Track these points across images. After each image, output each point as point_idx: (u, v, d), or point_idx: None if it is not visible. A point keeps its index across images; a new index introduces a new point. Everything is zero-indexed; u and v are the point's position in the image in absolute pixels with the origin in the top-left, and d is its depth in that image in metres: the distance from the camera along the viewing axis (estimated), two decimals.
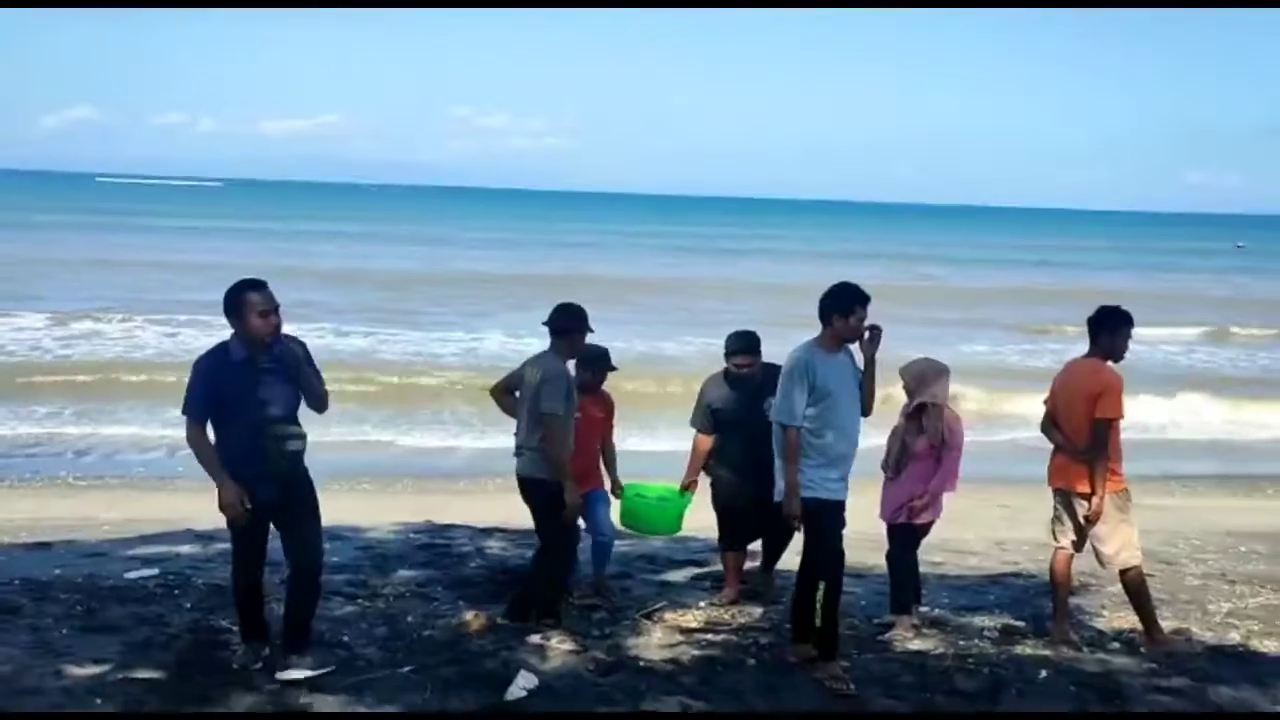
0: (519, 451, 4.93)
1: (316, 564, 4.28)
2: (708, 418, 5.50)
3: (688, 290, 27.01)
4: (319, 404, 4.28)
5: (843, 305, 4.51)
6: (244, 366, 4.11)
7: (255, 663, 4.18)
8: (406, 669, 4.28)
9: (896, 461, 5.18)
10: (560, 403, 4.75)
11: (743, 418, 5.26)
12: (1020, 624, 5.43)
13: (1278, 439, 13.94)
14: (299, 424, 4.21)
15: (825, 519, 4.48)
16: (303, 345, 4.28)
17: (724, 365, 5.50)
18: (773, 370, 4.97)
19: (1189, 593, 6.26)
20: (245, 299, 4.08)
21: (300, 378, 4.18)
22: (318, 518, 4.29)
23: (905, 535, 5.23)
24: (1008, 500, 8.98)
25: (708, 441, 5.53)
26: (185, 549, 6.30)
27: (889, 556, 5.31)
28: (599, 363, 5.33)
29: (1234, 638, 5.36)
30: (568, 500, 4.80)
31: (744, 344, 5.39)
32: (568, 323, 4.90)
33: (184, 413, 4.11)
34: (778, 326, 9.53)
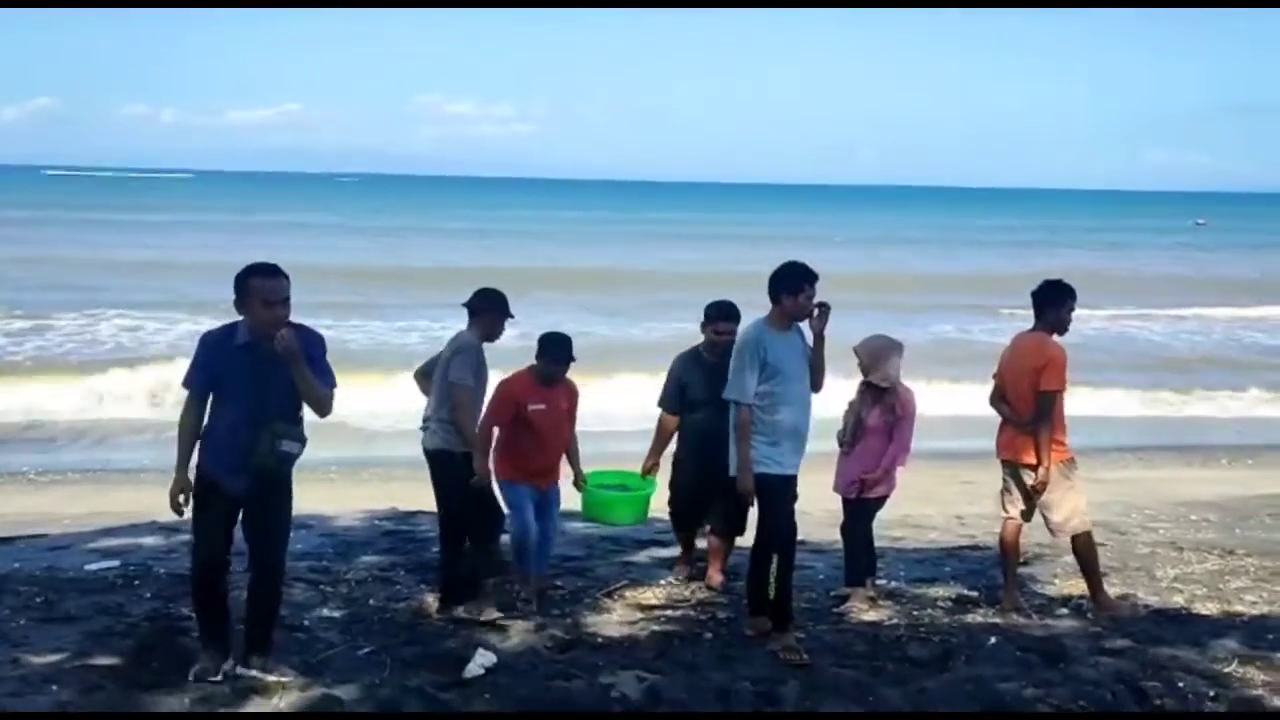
0: (425, 425, 4.99)
1: (277, 564, 4.07)
2: (676, 397, 5.48)
3: (654, 280, 26.98)
4: (317, 405, 3.97)
5: (791, 284, 4.58)
6: (246, 352, 3.91)
7: (214, 674, 3.89)
8: (365, 650, 4.34)
9: (851, 435, 5.28)
10: (469, 374, 4.83)
11: (714, 397, 4.99)
12: (973, 594, 5.56)
13: (1233, 414, 14.29)
14: (300, 425, 3.98)
15: (776, 494, 4.56)
16: (319, 340, 4.03)
17: (693, 346, 5.52)
18: None
19: (1138, 560, 6.42)
20: (251, 285, 3.88)
21: (296, 372, 3.86)
22: (288, 520, 4.10)
23: (859, 509, 5.33)
24: (970, 476, 9.14)
25: (674, 422, 5.53)
26: (148, 540, 6.29)
27: (844, 529, 5.42)
28: (558, 349, 5.15)
29: (1178, 601, 5.52)
30: (477, 469, 4.86)
31: (726, 310, 5.38)
32: (484, 304, 5.03)
33: (184, 384, 4.00)
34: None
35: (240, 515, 3.99)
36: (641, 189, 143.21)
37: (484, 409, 5.02)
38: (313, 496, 6.93)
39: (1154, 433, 12.70)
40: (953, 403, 11.76)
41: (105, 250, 30.62)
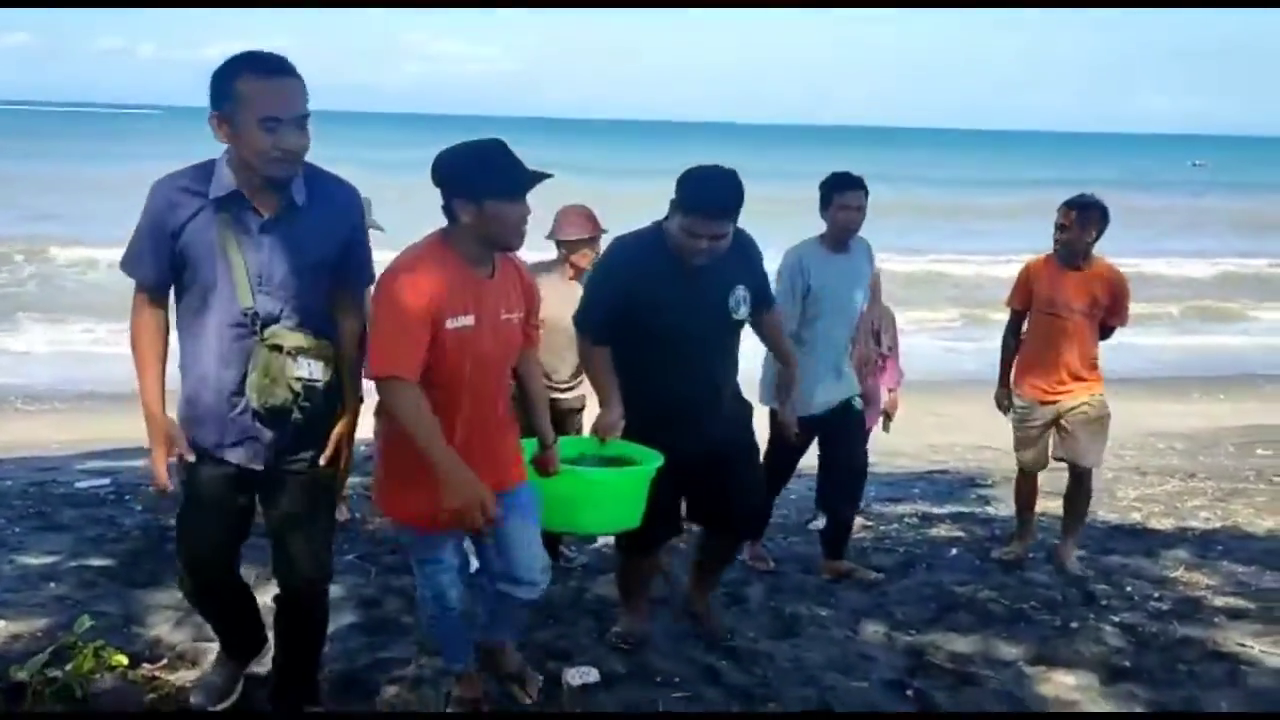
0: None
1: (316, 580, 2.78)
2: None
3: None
4: (353, 333, 2.67)
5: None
6: (224, 212, 2.44)
7: (208, 705, 2.93)
8: (351, 556, 4.50)
9: None
10: None
11: None
12: (938, 511, 5.78)
13: (1212, 345, 14.52)
14: (325, 339, 2.58)
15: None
16: (355, 202, 2.64)
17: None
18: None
19: (1102, 483, 6.60)
20: (241, 92, 2.35)
21: (343, 255, 2.59)
22: (329, 509, 2.77)
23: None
24: (943, 410, 9.32)
25: None
26: (137, 462, 6.41)
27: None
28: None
29: (1135, 518, 5.74)
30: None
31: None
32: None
33: (126, 271, 2.55)
34: None
35: (259, 501, 2.72)
36: (622, 128, 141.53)
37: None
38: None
39: (1127, 365, 12.93)
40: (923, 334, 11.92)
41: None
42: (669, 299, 3.20)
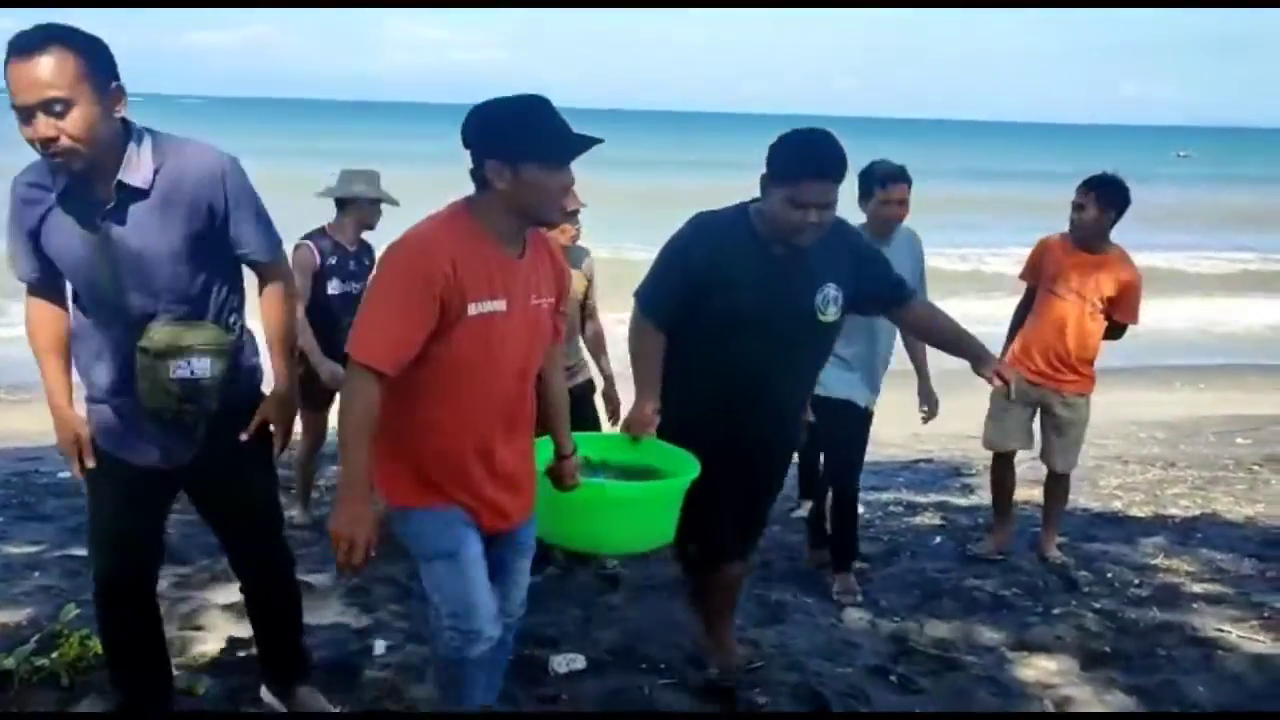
0: None
1: (275, 551, 2.71)
2: None
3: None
4: (276, 309, 2.51)
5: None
6: (68, 206, 2.26)
7: None
8: None
9: None
10: None
11: None
12: (922, 500, 5.82)
13: (1196, 336, 14.62)
14: (216, 327, 2.38)
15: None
16: (223, 171, 2.33)
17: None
18: None
19: (1084, 471, 6.66)
20: (6, 78, 2.12)
21: (219, 231, 2.34)
22: (267, 476, 2.62)
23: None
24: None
25: None
26: None
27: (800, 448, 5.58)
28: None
29: (1116, 505, 5.80)
30: None
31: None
32: None
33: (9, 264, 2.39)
34: None
35: (192, 495, 2.61)
36: (613, 117, 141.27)
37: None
38: None
39: (1111, 354, 13.02)
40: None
41: None
42: (748, 281, 2.82)
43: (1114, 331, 4.47)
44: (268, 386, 2.60)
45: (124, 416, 2.39)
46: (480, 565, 2.38)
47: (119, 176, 2.23)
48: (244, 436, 2.50)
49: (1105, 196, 4.24)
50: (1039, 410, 4.59)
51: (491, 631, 2.39)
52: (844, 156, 2.77)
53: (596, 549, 3.15)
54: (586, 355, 4.22)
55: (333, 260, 4.35)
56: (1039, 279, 4.48)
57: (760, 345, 2.87)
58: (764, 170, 2.83)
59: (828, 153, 2.75)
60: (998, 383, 2.99)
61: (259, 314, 2.54)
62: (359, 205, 4.40)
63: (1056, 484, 4.71)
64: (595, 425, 3.99)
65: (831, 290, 2.92)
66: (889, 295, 3.08)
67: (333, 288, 4.35)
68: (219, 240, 2.37)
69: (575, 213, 3.92)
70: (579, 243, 4.01)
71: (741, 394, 2.93)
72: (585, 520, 2.69)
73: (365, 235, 4.51)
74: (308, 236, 4.37)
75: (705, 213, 3.00)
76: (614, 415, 4.17)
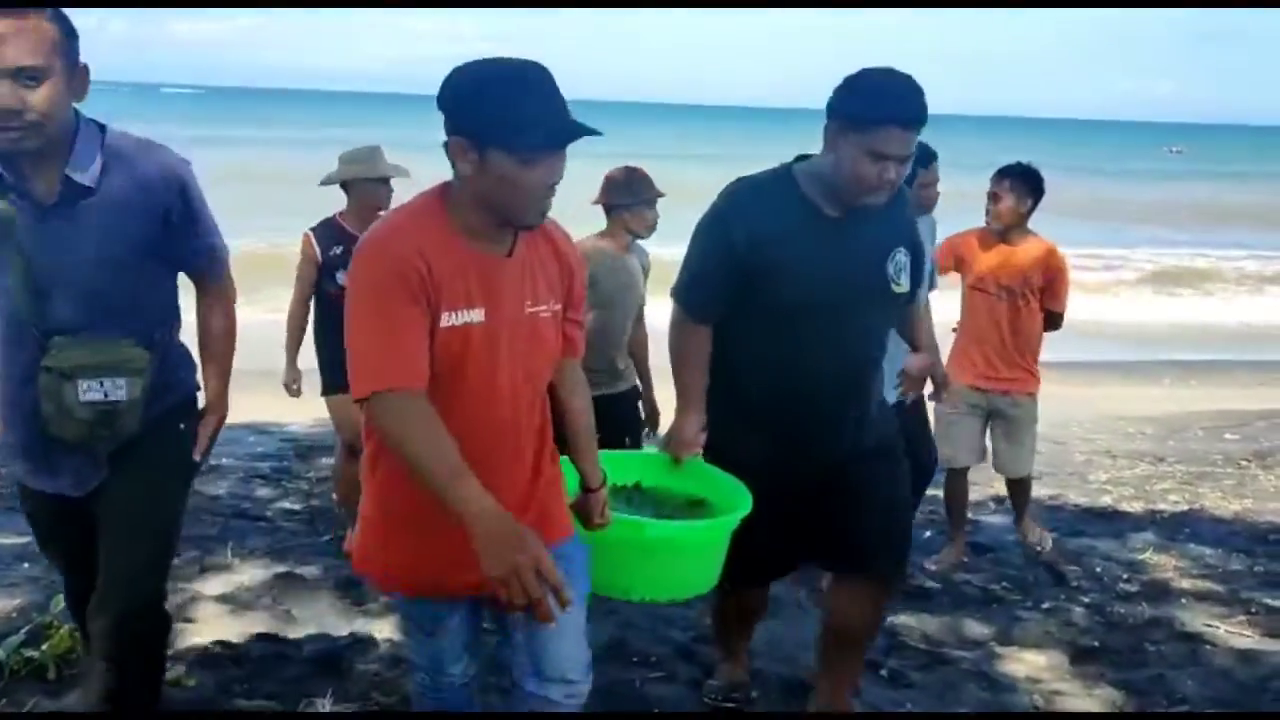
0: None
1: (146, 598, 2.23)
2: None
3: None
4: (217, 325, 2.34)
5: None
6: (3, 202, 2.04)
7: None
8: (326, 538, 4.50)
9: None
10: None
11: None
12: (913, 498, 5.83)
13: (1186, 331, 14.70)
14: (137, 346, 2.14)
15: None
16: (178, 177, 2.15)
17: None
18: None
19: (1073, 466, 6.72)
20: None
21: (166, 240, 2.14)
22: (168, 520, 2.29)
23: None
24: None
25: None
26: None
27: None
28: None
29: (1105, 501, 5.82)
30: None
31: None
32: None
33: None
34: None
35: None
36: (620, 110, 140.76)
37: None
38: (265, 403, 7.05)
39: (1099, 350, 13.10)
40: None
41: None
42: (806, 256, 2.35)
43: (1051, 321, 4.33)
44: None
45: (38, 439, 2.14)
46: (458, 633, 2.17)
47: (66, 171, 2.02)
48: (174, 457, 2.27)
49: (1022, 185, 4.17)
50: (988, 419, 4.48)
51: (463, 678, 2.23)
52: (926, 102, 2.31)
53: (626, 595, 2.42)
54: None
55: (337, 251, 3.99)
56: (962, 276, 4.37)
57: (825, 330, 2.39)
58: (827, 120, 2.37)
59: (911, 96, 2.30)
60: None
61: (196, 327, 2.36)
62: (361, 187, 4.08)
63: (1017, 486, 4.69)
64: (637, 435, 3.75)
65: (902, 256, 2.48)
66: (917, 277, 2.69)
67: (341, 279, 3.86)
68: (165, 249, 2.16)
69: (653, 200, 3.58)
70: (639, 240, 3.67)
71: (806, 392, 2.44)
72: (615, 560, 2.23)
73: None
74: (314, 227, 4.14)
75: (741, 180, 2.51)
76: (653, 426, 3.92)
